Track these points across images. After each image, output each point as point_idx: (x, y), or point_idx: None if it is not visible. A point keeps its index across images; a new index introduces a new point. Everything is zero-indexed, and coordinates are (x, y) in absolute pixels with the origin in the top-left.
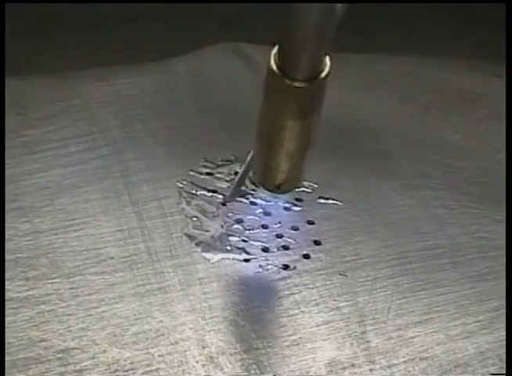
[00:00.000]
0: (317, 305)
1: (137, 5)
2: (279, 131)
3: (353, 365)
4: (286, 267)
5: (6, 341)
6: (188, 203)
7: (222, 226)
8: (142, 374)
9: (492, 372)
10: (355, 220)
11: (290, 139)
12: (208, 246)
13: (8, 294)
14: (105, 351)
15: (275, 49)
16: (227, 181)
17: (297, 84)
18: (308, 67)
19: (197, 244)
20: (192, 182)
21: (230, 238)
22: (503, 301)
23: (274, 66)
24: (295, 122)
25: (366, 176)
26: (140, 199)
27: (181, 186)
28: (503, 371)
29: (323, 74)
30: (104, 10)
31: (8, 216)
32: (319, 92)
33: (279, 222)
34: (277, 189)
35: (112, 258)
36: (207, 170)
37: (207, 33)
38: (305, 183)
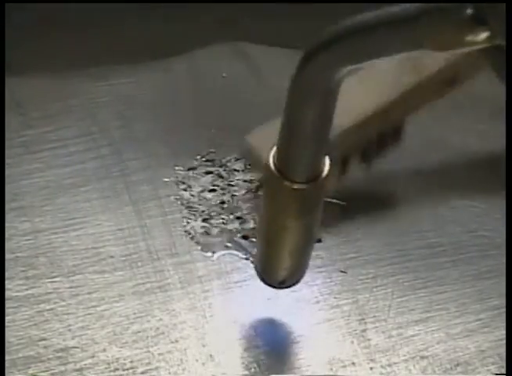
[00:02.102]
0: (317, 302)
1: (137, 5)
2: (280, 231)
3: (353, 363)
4: None
5: (6, 340)
6: (188, 202)
7: (223, 224)
8: (142, 372)
9: (493, 371)
10: (355, 218)
11: (291, 237)
12: (208, 244)
13: (8, 293)
14: (105, 350)
15: (273, 150)
16: (227, 180)
17: (296, 186)
18: (307, 169)
19: (197, 243)
20: (191, 182)
21: (230, 236)
22: (504, 300)
23: (273, 168)
24: (296, 222)
25: (366, 175)
26: (140, 198)
27: (180, 185)
28: (504, 370)
29: (323, 175)
30: (104, 10)
31: (8, 215)
32: (319, 192)
33: None
34: (280, 284)
35: (112, 256)
36: (207, 169)
37: (207, 33)
38: None
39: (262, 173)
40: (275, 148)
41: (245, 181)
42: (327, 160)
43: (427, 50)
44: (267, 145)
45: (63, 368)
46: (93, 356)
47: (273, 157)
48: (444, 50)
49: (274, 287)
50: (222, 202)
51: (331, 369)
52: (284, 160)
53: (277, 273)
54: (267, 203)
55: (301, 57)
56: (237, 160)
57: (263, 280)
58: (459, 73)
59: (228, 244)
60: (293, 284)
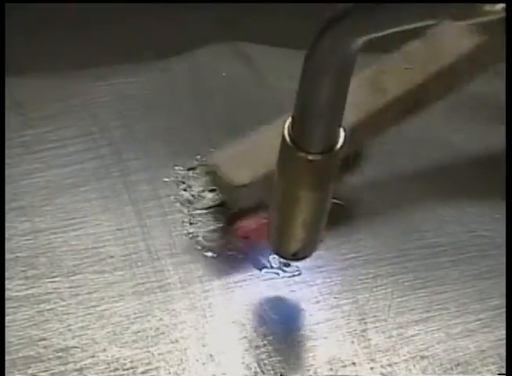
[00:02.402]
0: (317, 302)
1: (137, 4)
2: (294, 202)
3: (353, 363)
4: (286, 265)
5: (6, 340)
6: (187, 202)
7: (223, 224)
8: (142, 372)
9: (493, 371)
10: (355, 218)
11: (304, 209)
12: (208, 244)
13: (8, 293)
14: (105, 349)
15: (288, 121)
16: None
17: (311, 157)
18: (322, 140)
19: (197, 243)
20: (191, 182)
21: (230, 236)
22: (504, 300)
23: (288, 139)
24: (310, 193)
25: (366, 175)
26: (140, 198)
27: (180, 185)
28: (504, 370)
29: (337, 147)
30: (104, 10)
31: (8, 215)
32: (334, 164)
33: None
34: (293, 256)
35: (112, 256)
36: (207, 169)
37: (207, 33)
38: None
39: (226, 193)
40: (289, 119)
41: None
42: (342, 132)
43: (445, 20)
44: (231, 164)
45: (63, 368)
46: (93, 356)
47: (288, 128)
48: (460, 20)
49: (287, 258)
50: (222, 202)
51: (331, 369)
52: (299, 132)
53: (290, 245)
54: (281, 175)
55: (319, 28)
56: None
57: (276, 252)
58: (426, 96)
59: (229, 244)
60: (306, 257)
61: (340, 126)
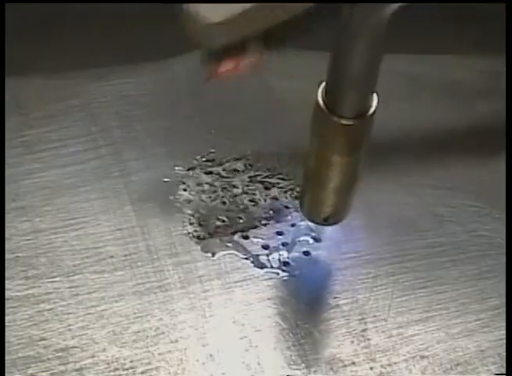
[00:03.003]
0: (317, 302)
1: (137, 5)
2: (326, 167)
3: (353, 363)
4: (286, 264)
5: (6, 339)
6: (188, 202)
7: (223, 224)
8: (142, 372)
9: (493, 371)
10: (355, 218)
11: (337, 174)
12: (208, 244)
13: (8, 293)
14: (105, 349)
15: (322, 86)
16: (227, 180)
17: (344, 121)
18: (356, 105)
19: (197, 243)
20: (191, 182)
21: (230, 236)
22: (504, 300)
23: (321, 103)
24: (342, 158)
25: (367, 174)
26: (140, 198)
27: (180, 185)
28: (504, 370)
29: (370, 111)
30: (104, 10)
31: (8, 215)
32: (366, 129)
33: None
34: (324, 221)
35: (112, 256)
36: (207, 169)
37: None
38: None
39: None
40: (323, 84)
41: (244, 181)
42: (375, 97)
43: None
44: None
45: (62, 368)
46: (93, 356)
47: (322, 93)
48: None
49: (318, 223)
50: (223, 202)
51: (331, 368)
52: (333, 97)
53: (321, 210)
54: (315, 138)
55: None
56: (237, 160)
57: (307, 217)
58: None
59: (229, 244)
60: (337, 222)
61: (372, 92)
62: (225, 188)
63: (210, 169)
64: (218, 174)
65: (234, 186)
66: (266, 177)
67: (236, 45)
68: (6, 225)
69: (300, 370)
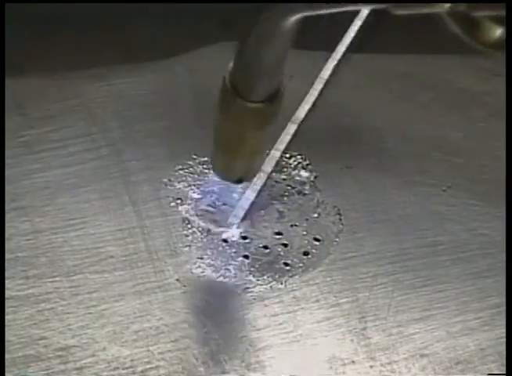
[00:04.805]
0: (317, 301)
1: (137, 5)
2: (238, 140)
3: (353, 362)
4: (286, 264)
5: (6, 339)
6: (187, 202)
7: (223, 224)
8: (142, 371)
9: (493, 369)
10: (355, 217)
11: (249, 145)
12: (208, 244)
13: (8, 293)
14: (105, 349)
15: (229, 67)
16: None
17: (250, 105)
18: (263, 91)
19: (197, 242)
20: (191, 182)
21: (230, 236)
22: (504, 298)
23: (229, 85)
24: (254, 133)
25: (367, 173)
26: (140, 198)
27: (180, 185)
28: (504, 368)
29: (278, 96)
30: (104, 10)
31: (8, 216)
32: (275, 110)
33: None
34: (237, 182)
35: (112, 256)
36: (207, 170)
37: (207, 33)
38: (306, 181)
39: None
40: (231, 65)
41: None
42: (281, 84)
43: None
44: None
45: (63, 367)
46: (93, 355)
47: (230, 75)
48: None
49: (232, 182)
50: (223, 203)
51: (331, 367)
52: (241, 82)
53: (235, 174)
54: (223, 116)
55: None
56: None
57: (221, 178)
58: None
59: (228, 244)
60: (249, 180)
61: (280, 77)
62: (224, 188)
63: (210, 169)
64: None
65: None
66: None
67: None
68: (6, 225)
69: (300, 368)
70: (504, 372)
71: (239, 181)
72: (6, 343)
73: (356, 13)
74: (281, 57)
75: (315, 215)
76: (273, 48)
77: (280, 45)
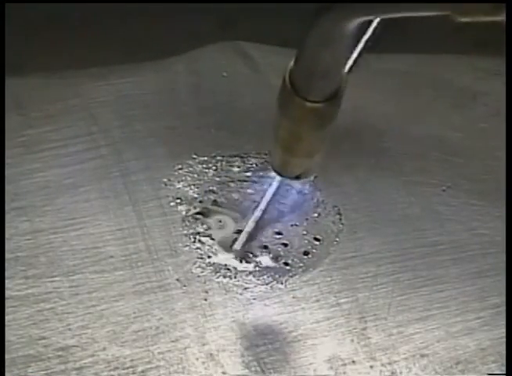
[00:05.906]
0: (317, 301)
1: (137, 4)
2: (297, 139)
3: (353, 361)
4: (286, 264)
5: (6, 339)
6: (187, 202)
7: (223, 224)
8: (142, 371)
9: (493, 369)
10: (355, 217)
11: (308, 143)
12: (208, 244)
13: (8, 293)
14: (105, 348)
15: (290, 65)
16: (227, 180)
17: (309, 104)
18: (322, 91)
19: (197, 242)
20: (191, 182)
21: (230, 236)
22: (504, 298)
23: (288, 84)
24: (313, 132)
25: (367, 173)
26: (140, 198)
27: (180, 185)
28: (504, 368)
29: (337, 96)
30: (104, 10)
31: (8, 215)
32: (334, 110)
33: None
34: (296, 178)
35: (112, 256)
36: (207, 170)
37: (207, 33)
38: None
39: None
40: (291, 64)
41: (242, 181)
42: (345, 79)
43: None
44: None
45: (62, 367)
46: (93, 355)
47: (290, 72)
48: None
49: (291, 179)
50: (222, 202)
51: (331, 367)
52: (301, 83)
53: (293, 171)
54: (282, 114)
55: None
56: (236, 157)
57: (280, 175)
58: None
59: (228, 244)
60: (307, 177)
61: (341, 77)
62: (224, 188)
63: (210, 169)
64: (218, 174)
65: (234, 186)
66: (266, 176)
67: None
68: (6, 225)
69: (300, 368)
70: (504, 372)
71: (297, 177)
72: (6, 343)
73: None
74: (341, 59)
75: (315, 215)
76: (333, 51)
77: (341, 48)
